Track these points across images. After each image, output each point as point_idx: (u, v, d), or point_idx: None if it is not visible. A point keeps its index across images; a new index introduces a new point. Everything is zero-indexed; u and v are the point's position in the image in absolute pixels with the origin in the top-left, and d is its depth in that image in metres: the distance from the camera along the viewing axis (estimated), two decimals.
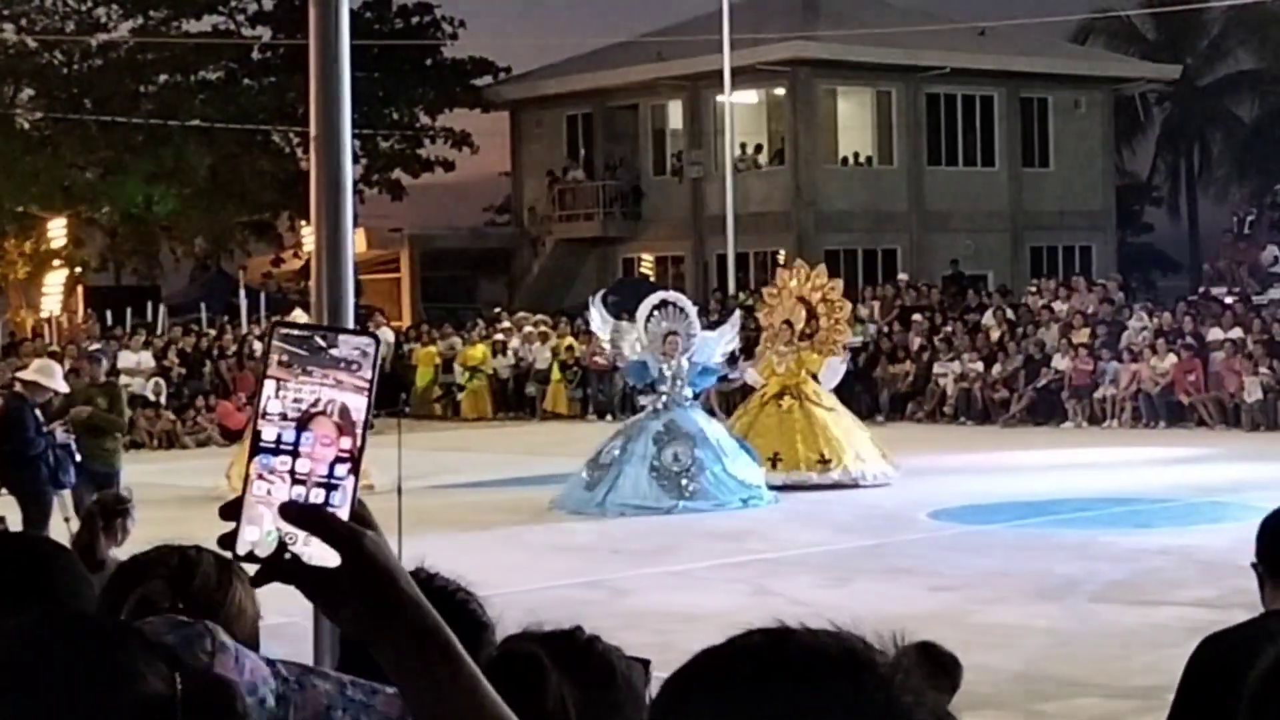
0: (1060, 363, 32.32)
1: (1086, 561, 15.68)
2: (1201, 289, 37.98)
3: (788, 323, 22.92)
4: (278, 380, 1.66)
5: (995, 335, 34.09)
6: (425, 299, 49.95)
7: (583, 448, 28.61)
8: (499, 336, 37.86)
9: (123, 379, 33.20)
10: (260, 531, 1.64)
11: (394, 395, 30.50)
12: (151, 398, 32.95)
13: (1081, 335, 32.85)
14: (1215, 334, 31.66)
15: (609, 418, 35.62)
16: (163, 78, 47.90)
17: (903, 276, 40.84)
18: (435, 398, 37.61)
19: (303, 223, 41.98)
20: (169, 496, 21.27)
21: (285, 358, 1.66)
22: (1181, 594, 13.55)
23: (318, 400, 1.65)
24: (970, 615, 12.99)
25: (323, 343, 1.66)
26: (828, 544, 17.42)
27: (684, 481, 20.03)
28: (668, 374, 20.75)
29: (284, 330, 1.67)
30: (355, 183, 49.73)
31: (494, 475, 24.62)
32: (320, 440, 1.64)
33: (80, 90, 46.54)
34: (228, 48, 48.46)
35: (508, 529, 18.96)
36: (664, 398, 20.79)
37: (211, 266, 49.32)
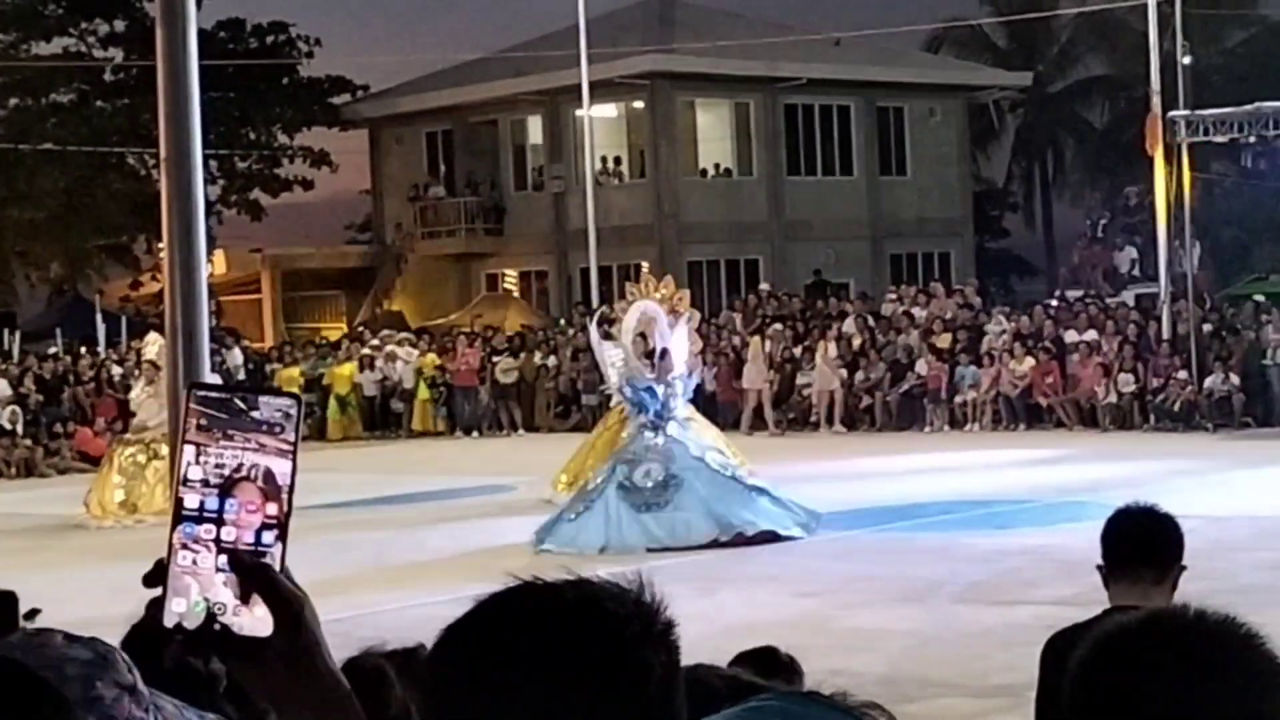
0: (921, 368, 32.68)
1: (948, 563, 15.87)
2: (1058, 292, 38.56)
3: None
4: (197, 445, 1.60)
5: (856, 343, 34.40)
6: (287, 319, 49.51)
7: (448, 465, 28.54)
8: (366, 353, 37.64)
9: None
10: (187, 602, 1.59)
11: None
12: (8, 426, 32.41)
13: (942, 340, 33.24)
14: (1072, 336, 32.16)
15: (475, 434, 35.56)
16: (13, 101, 47.19)
17: (764, 286, 41.10)
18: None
19: (160, 245, 41.44)
20: (27, 526, 20.96)
21: (204, 421, 1.60)
22: (1040, 593, 13.76)
23: (240, 465, 1.60)
24: (835, 620, 13.11)
25: (243, 405, 1.61)
26: (693, 554, 17.49)
27: (655, 499, 18.54)
28: (660, 394, 19.39)
29: (201, 393, 1.62)
30: (213, 204, 49.45)
31: (359, 495, 24.47)
32: (245, 506, 1.60)
33: None
34: (79, 70, 47.83)
35: (374, 548, 18.87)
36: (656, 421, 19.25)
37: (68, 291, 48.60)
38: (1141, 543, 4.80)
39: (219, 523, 1.60)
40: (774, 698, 1.44)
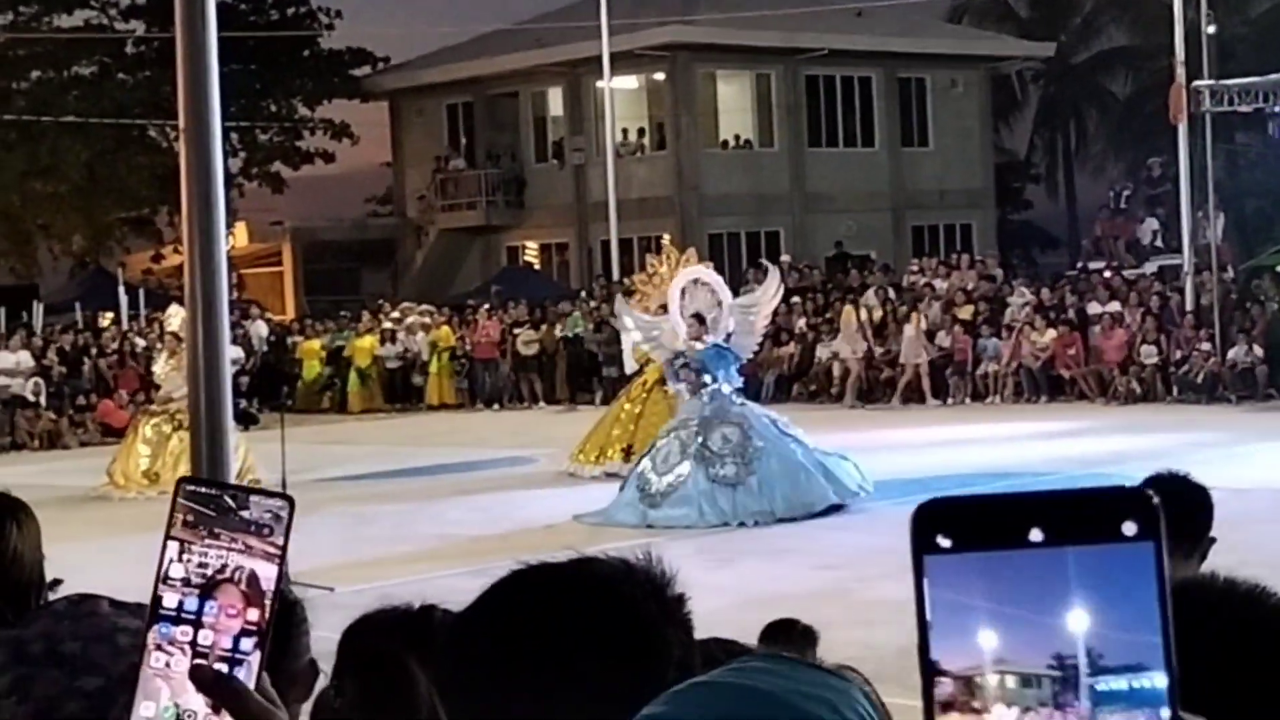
0: (943, 340, 32.62)
1: None
2: (1080, 264, 38.43)
3: (664, 307, 22.90)
4: (182, 542, 1.54)
5: (878, 315, 34.32)
6: (308, 292, 49.59)
7: (469, 438, 28.58)
8: (387, 325, 37.68)
9: (1, 379, 32.85)
10: (156, 707, 1.52)
11: (276, 389, 30.34)
12: (31, 398, 32.51)
13: (963, 312, 33.16)
14: (1095, 308, 32.07)
15: (495, 406, 35.58)
16: (35, 74, 47.21)
17: (786, 258, 41.03)
18: (320, 390, 37.36)
19: (181, 218, 41.54)
20: (50, 497, 21.01)
21: (191, 517, 1.55)
22: None
23: (224, 566, 1.54)
24: (855, 592, 13.10)
25: (232, 503, 1.55)
26: (712, 525, 17.49)
27: (737, 469, 17.91)
28: (691, 360, 18.84)
29: (190, 488, 1.57)
30: (235, 176, 49.44)
31: (379, 467, 24.52)
32: (225, 610, 1.53)
33: None
34: (100, 43, 47.83)
35: (394, 520, 18.90)
36: (706, 390, 18.69)
37: (90, 264, 48.69)
38: (1173, 513, 4.69)
39: (197, 625, 1.53)
40: (758, 658, 1.44)
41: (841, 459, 18.81)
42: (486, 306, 37.76)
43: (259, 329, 38.63)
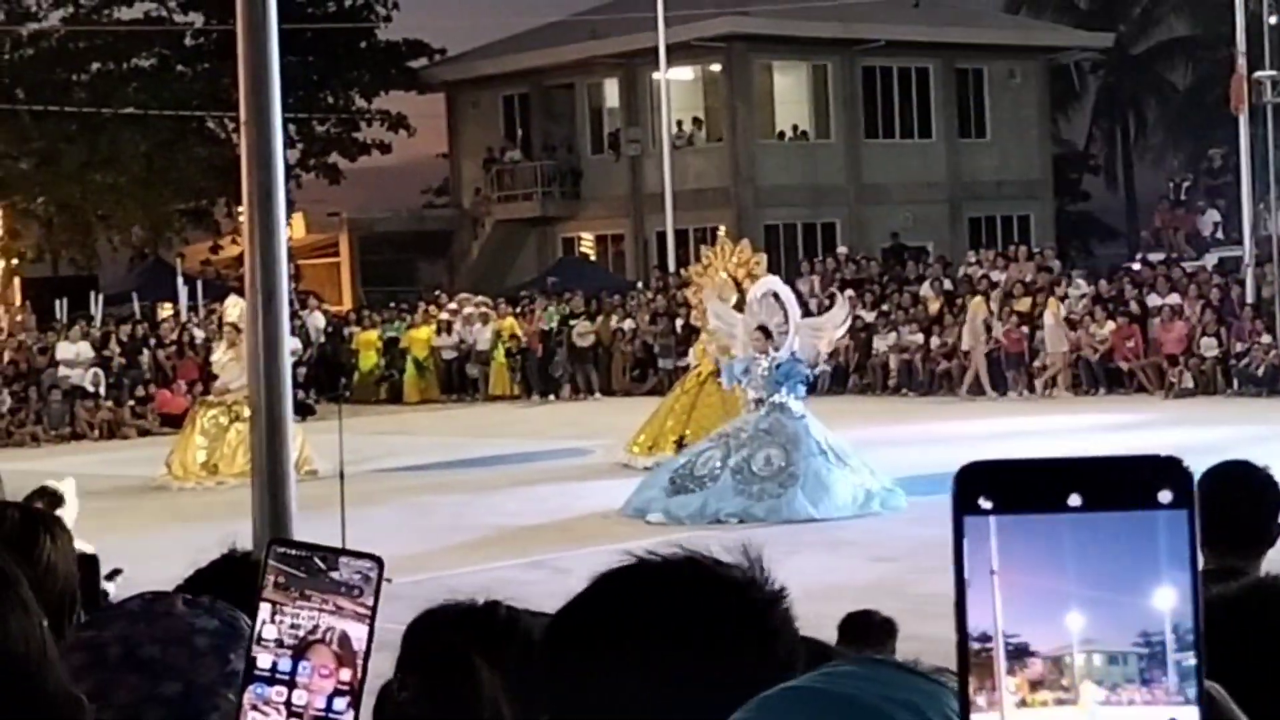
0: (999, 332, 32.46)
1: None
2: (1139, 255, 38.21)
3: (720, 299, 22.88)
4: (274, 604, 1.56)
5: (934, 307, 34.20)
6: (365, 283, 49.76)
7: (525, 429, 28.62)
8: (444, 316, 37.77)
9: (61, 370, 33.10)
10: None
11: (333, 380, 30.44)
12: (91, 389, 32.73)
13: (1021, 304, 33.00)
14: (1154, 300, 31.86)
15: (551, 398, 35.62)
16: (95, 66, 47.52)
17: (842, 249, 40.94)
18: (376, 380, 37.49)
19: (240, 209, 41.70)
20: (110, 487, 21.16)
21: (282, 579, 1.56)
22: None
23: (316, 627, 1.55)
24: (911, 585, 13.05)
25: (322, 564, 1.57)
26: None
27: (773, 487, 17.98)
28: (755, 373, 18.80)
29: (281, 549, 1.58)
30: (292, 167, 49.57)
31: (436, 458, 24.58)
32: (318, 671, 1.55)
33: (12, 80, 46.11)
34: (160, 35, 48.11)
35: (450, 511, 18.94)
36: (756, 400, 18.75)
37: (149, 255, 48.98)
38: (1245, 506, 4.58)
39: (291, 685, 1.55)
40: (847, 662, 1.43)
41: (871, 474, 18.73)
42: (540, 297, 37.79)
43: (316, 320, 38.79)
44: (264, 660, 1.54)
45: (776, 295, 19.94)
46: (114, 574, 6.86)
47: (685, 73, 44.64)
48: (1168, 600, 1.01)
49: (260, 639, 1.54)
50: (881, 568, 14.00)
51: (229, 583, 1.88)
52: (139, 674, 1.72)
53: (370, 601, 1.57)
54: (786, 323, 19.50)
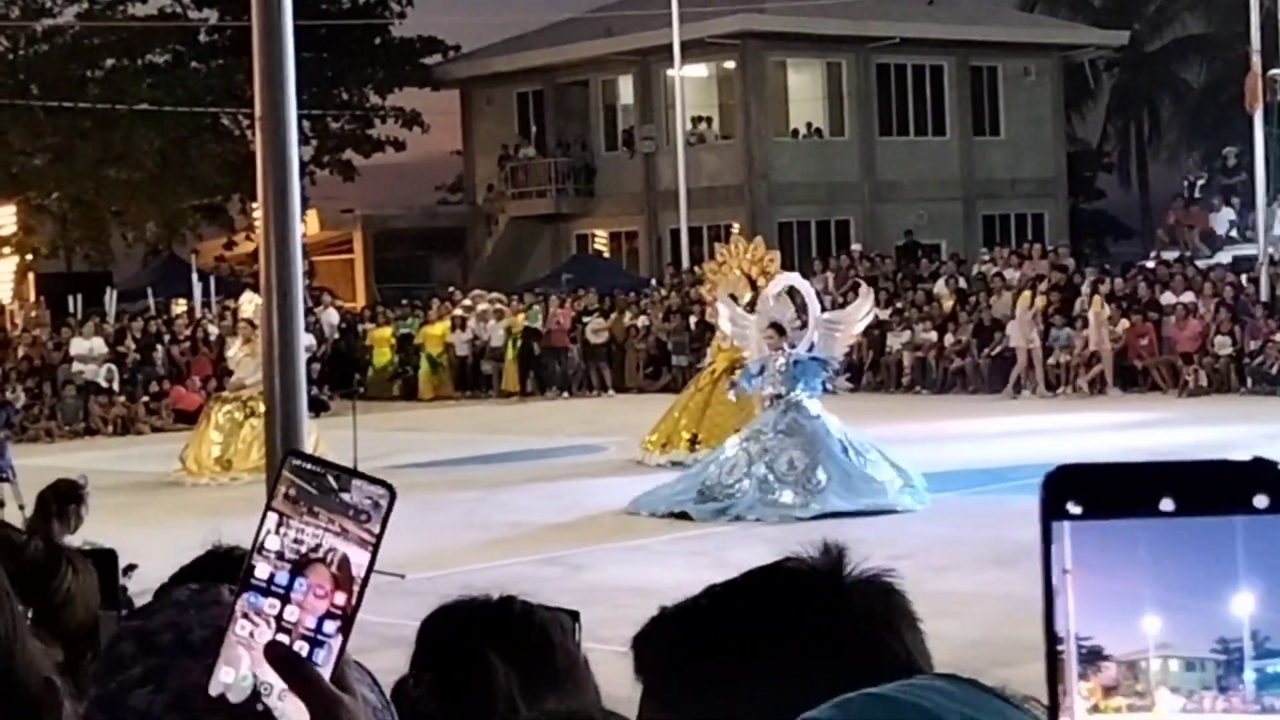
0: (1013, 330, 32.41)
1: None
2: (1153, 254, 38.15)
3: (732, 296, 22.86)
4: (280, 515, 1.54)
5: (948, 305, 34.16)
6: (379, 279, 49.81)
7: (538, 425, 28.63)
8: (458, 312, 37.81)
9: (75, 365, 33.16)
10: (236, 674, 1.53)
11: (347, 376, 30.48)
12: (105, 384, 32.79)
13: (1036, 302, 32.93)
14: (1168, 298, 31.81)
15: (565, 395, 35.63)
16: (109, 62, 47.58)
17: (856, 247, 40.91)
18: (390, 377, 37.52)
19: (254, 205, 41.75)
20: (124, 483, 21.21)
21: (293, 492, 1.54)
22: None
23: (319, 546, 1.53)
24: (926, 583, 13.04)
25: (335, 484, 1.55)
26: (785, 515, 17.46)
27: (799, 499, 17.59)
28: (770, 371, 18.42)
29: (296, 462, 1.56)
30: (306, 164, 49.67)
31: (450, 455, 24.61)
32: (314, 590, 1.52)
33: (27, 76, 46.19)
34: (174, 31, 48.18)
35: (464, 508, 18.95)
36: (772, 398, 18.37)
37: (164, 251, 49.06)
38: None
39: (285, 600, 1.52)
40: (933, 676, 1.43)
41: (895, 469, 18.33)
42: (554, 295, 37.82)
43: (330, 316, 38.84)
44: (262, 570, 1.53)
45: (793, 291, 19.68)
46: (130, 569, 6.87)
47: (700, 70, 44.64)
48: (1246, 605, 0.99)
49: (262, 548, 1.52)
50: (896, 565, 13.95)
51: (214, 578, 1.88)
52: (192, 658, 1.72)
53: (376, 529, 1.53)
54: (805, 317, 19.24)
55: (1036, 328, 31.60)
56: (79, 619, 3.20)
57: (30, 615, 1.78)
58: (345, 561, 1.53)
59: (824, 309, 21.33)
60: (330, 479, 1.54)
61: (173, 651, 1.68)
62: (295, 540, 1.53)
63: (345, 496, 1.54)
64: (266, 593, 1.52)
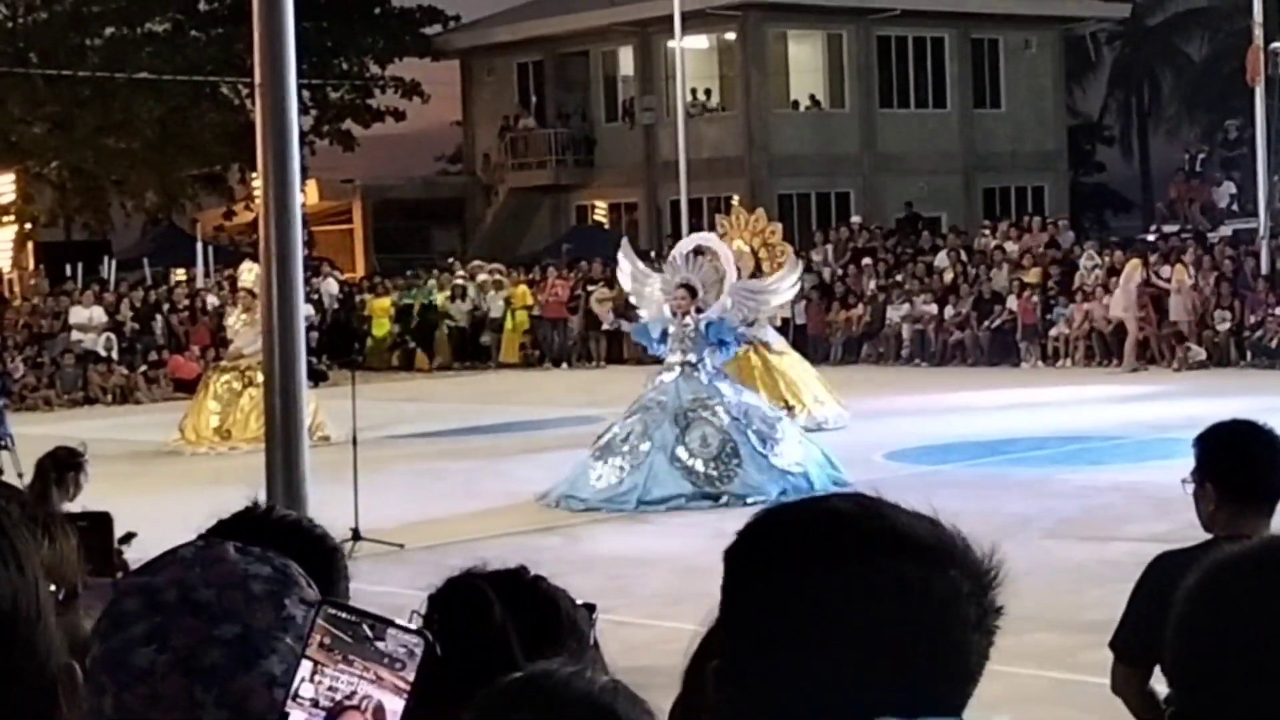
0: (1012, 303, 32.42)
1: (1039, 499, 15.78)
2: (1154, 227, 38.13)
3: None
4: (316, 663, 1.55)
5: (948, 277, 34.16)
6: (378, 250, 49.79)
7: (536, 396, 28.65)
8: (457, 282, 37.79)
9: (74, 334, 33.15)
10: None
11: (346, 346, 30.47)
12: (103, 353, 32.79)
13: (1032, 275, 32.94)
14: (1167, 272, 31.76)
15: (564, 365, 35.63)
16: (109, 31, 47.46)
17: (856, 219, 40.87)
18: (389, 347, 37.51)
19: (253, 175, 41.66)
20: (122, 452, 21.21)
21: (328, 640, 1.56)
22: (1133, 529, 13.66)
23: (354, 693, 1.54)
24: None
25: (370, 633, 1.56)
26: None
27: (713, 472, 16.34)
28: (682, 334, 16.89)
29: (331, 611, 1.58)
30: (306, 134, 49.47)
31: (449, 425, 24.62)
32: None
33: (25, 44, 46.09)
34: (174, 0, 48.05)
35: (462, 478, 18.96)
36: (677, 366, 16.93)
37: (163, 220, 49.02)
38: (1264, 469, 4.60)
39: None
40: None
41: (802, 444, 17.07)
42: (552, 266, 37.77)
43: (329, 286, 38.82)
44: (297, 718, 1.53)
45: (702, 250, 18.11)
46: (128, 537, 6.87)
47: (700, 41, 44.54)
48: None
49: (296, 696, 1.54)
50: None
51: (249, 538, 1.87)
52: (196, 617, 1.72)
53: (411, 677, 1.54)
54: (720, 281, 17.78)
55: (1135, 299, 30.28)
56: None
57: None
58: (380, 709, 1.53)
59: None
60: (365, 627, 1.56)
61: (176, 610, 1.67)
62: (330, 688, 1.54)
63: (380, 644, 1.55)
64: None
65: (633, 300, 19.38)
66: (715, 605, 1.64)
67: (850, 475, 16.65)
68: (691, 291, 17.08)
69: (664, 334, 17.05)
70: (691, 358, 16.82)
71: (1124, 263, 31.66)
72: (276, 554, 1.81)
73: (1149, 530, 13.01)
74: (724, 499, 16.09)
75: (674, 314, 17.02)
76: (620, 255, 19.43)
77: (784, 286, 19.61)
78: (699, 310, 17.03)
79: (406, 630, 1.57)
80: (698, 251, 18.10)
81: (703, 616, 1.72)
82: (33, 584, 1.58)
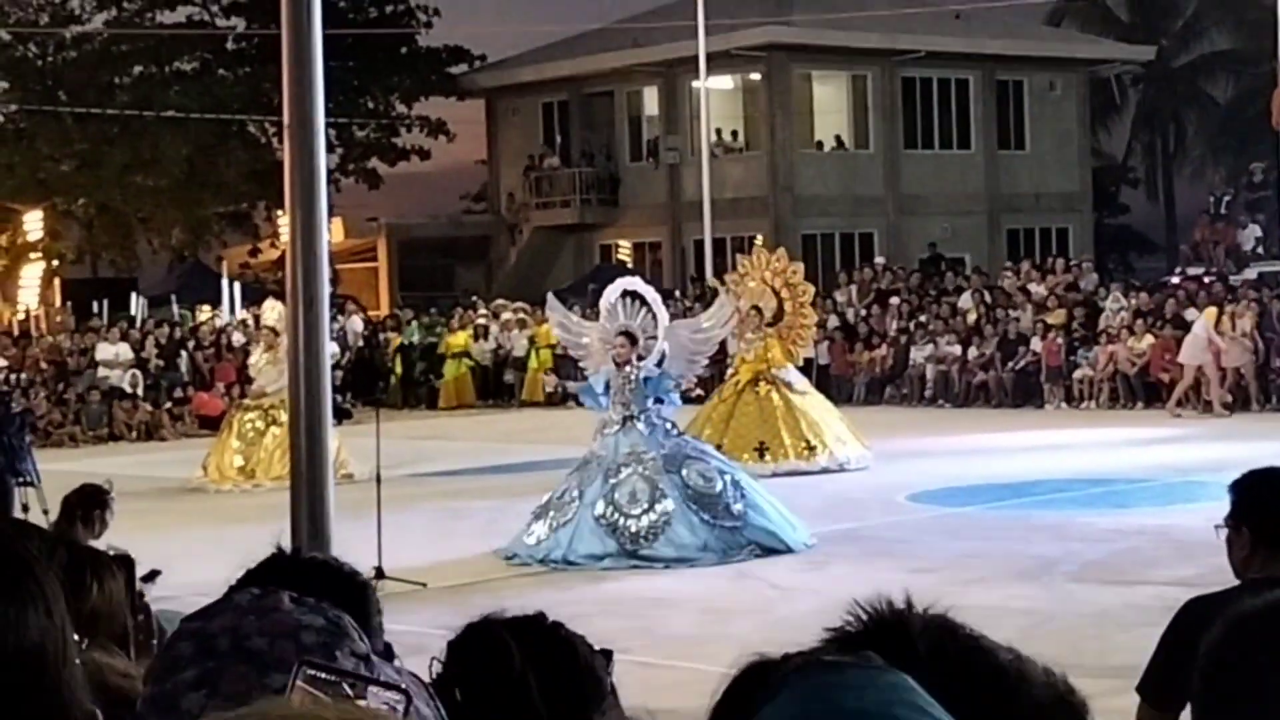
0: (1036, 344, 32.35)
1: (1064, 542, 15.72)
2: (1178, 269, 38.06)
3: (756, 308, 22.80)
4: None
5: (972, 318, 34.11)
6: (403, 288, 49.89)
7: (559, 435, 28.63)
8: (480, 321, 37.82)
9: (100, 371, 33.24)
10: None
11: (370, 384, 30.52)
12: (129, 390, 32.87)
13: (1057, 317, 32.87)
14: (1193, 314, 31.67)
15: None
16: (137, 69, 47.77)
17: (880, 260, 40.87)
18: (414, 385, 37.52)
19: (279, 213, 41.83)
20: (147, 489, 21.25)
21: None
22: (1159, 573, 13.59)
23: None
24: (948, 597, 12.86)
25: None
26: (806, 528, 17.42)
27: (640, 528, 15.38)
28: (621, 387, 16.04)
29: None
30: (332, 172, 49.79)
31: (472, 463, 24.61)
32: None
33: (55, 82, 46.41)
34: (202, 38, 48.33)
35: (485, 517, 18.94)
36: (618, 420, 16.04)
37: (189, 257, 49.21)
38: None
39: None
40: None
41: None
42: (577, 305, 37.77)
43: (354, 324, 38.90)
44: None
45: (636, 296, 16.82)
46: (152, 575, 6.89)
47: (725, 81, 44.65)
48: None
49: None
50: (919, 579, 13.95)
51: (278, 583, 1.88)
52: (247, 664, 1.72)
53: None
54: (655, 327, 16.62)
55: (1216, 345, 29.43)
56: (107, 632, 3.16)
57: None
58: None
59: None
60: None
61: (228, 657, 1.68)
62: None
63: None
64: None
65: (572, 353, 18.47)
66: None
67: (874, 518, 16.59)
68: (632, 339, 16.20)
69: (607, 386, 16.12)
70: (633, 410, 15.95)
71: (1151, 304, 31.59)
72: (330, 606, 1.81)
73: (1175, 574, 12.97)
74: (647, 560, 15.19)
75: (616, 364, 16.12)
76: (548, 307, 18.61)
77: (719, 323, 18.43)
78: (640, 358, 16.18)
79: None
80: (632, 296, 16.83)
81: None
82: (59, 628, 1.59)
